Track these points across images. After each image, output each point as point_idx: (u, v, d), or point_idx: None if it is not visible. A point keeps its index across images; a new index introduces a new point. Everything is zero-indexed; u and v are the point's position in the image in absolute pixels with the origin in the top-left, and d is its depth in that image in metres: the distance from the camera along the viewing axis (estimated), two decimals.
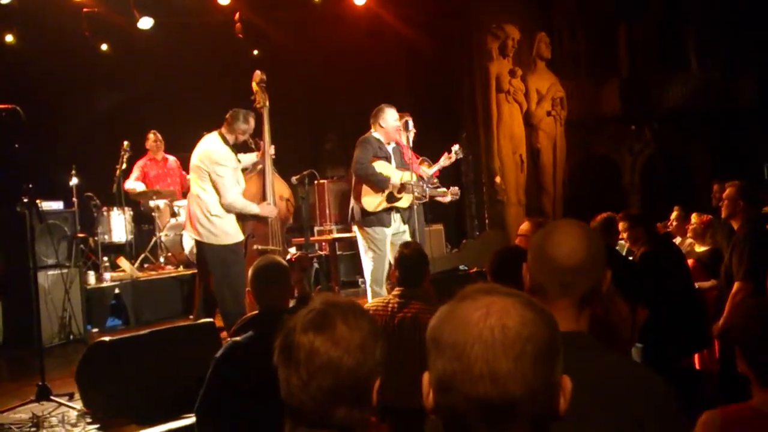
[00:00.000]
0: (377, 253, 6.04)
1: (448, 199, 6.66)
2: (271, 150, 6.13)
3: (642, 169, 12.65)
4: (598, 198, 11.20)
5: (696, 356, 5.25)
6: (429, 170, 6.68)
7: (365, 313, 1.64)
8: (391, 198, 6.05)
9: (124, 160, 8.45)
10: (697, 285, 5.33)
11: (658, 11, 12.83)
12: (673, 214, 6.68)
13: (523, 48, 11.26)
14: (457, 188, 6.85)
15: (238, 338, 3.06)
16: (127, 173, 8.68)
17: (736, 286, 4.47)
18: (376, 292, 5.97)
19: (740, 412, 2.15)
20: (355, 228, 6.33)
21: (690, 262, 5.76)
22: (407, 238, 5.92)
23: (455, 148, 7.06)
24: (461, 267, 8.20)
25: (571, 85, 11.89)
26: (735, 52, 12.23)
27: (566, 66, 12.20)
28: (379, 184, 5.99)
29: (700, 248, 5.90)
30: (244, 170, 6.06)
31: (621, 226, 5.00)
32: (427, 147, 7.20)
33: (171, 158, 9.08)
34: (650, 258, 4.88)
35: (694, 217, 6.00)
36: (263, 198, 6.06)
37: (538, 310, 1.13)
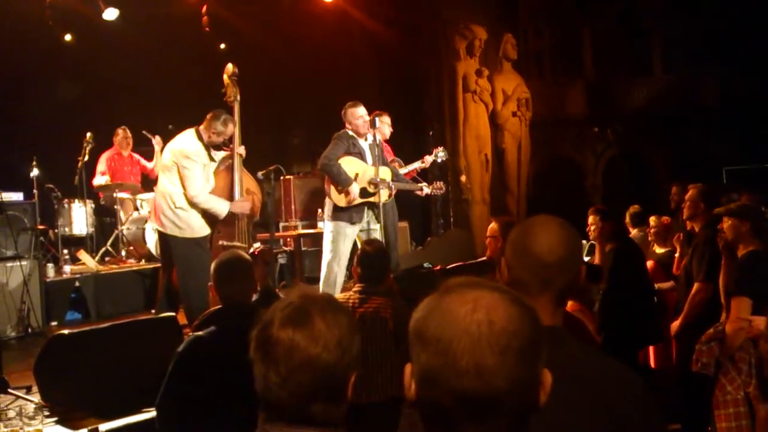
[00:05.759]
0: (336, 250, 6.00)
1: (426, 192, 6.64)
2: (240, 150, 6.05)
3: (604, 171, 12.81)
4: (561, 198, 11.33)
5: (651, 354, 5.35)
6: (400, 171, 6.69)
7: (343, 307, 1.63)
8: (364, 194, 6.03)
9: (87, 151, 8.32)
10: (657, 286, 5.42)
11: (622, 14, 12.99)
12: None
13: (490, 48, 11.34)
14: (441, 183, 6.83)
15: (200, 333, 3.05)
16: (92, 166, 8.55)
17: (696, 287, 4.57)
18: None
19: None
20: (322, 223, 6.29)
21: (650, 263, 5.86)
22: (377, 236, 5.88)
23: (439, 150, 7.09)
24: (426, 264, 8.20)
25: (537, 87, 12.00)
26: (697, 54, 12.42)
27: (531, 67, 12.32)
28: (340, 183, 5.96)
29: (660, 250, 6.00)
30: None
31: (590, 219, 5.08)
32: (392, 143, 7.20)
33: (136, 156, 9.00)
34: (620, 254, 4.95)
35: (653, 220, 6.09)
36: (231, 193, 6.00)
37: (523, 306, 1.14)
